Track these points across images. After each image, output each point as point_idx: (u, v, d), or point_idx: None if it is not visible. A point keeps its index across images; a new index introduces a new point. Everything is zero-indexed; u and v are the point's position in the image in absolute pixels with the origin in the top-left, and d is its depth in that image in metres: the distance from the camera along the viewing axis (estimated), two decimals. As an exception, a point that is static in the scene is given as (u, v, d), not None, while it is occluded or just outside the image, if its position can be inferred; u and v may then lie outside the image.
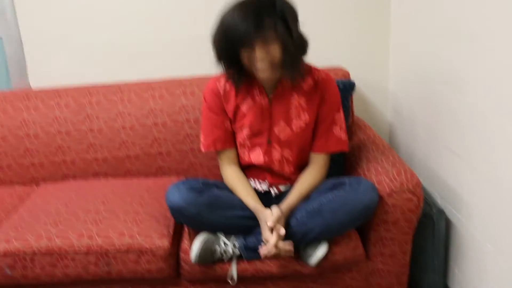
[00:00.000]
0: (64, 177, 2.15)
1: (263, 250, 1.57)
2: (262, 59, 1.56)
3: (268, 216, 1.60)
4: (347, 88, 1.96)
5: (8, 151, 2.13)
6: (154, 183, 2.03)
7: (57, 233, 1.70)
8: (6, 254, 1.66)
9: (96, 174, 2.14)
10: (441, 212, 1.79)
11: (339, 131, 1.75)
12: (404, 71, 2.20)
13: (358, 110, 2.30)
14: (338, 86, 1.89)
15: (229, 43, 1.56)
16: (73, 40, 2.29)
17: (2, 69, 2.34)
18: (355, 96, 2.20)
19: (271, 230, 1.58)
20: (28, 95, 2.18)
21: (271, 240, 1.56)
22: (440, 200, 1.88)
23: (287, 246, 1.58)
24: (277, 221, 1.59)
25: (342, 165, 1.96)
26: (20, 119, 2.13)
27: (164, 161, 2.13)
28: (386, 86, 2.35)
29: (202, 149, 1.80)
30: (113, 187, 1.99)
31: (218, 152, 1.81)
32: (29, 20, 2.28)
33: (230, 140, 1.78)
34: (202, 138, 1.80)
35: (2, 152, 2.13)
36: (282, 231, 1.56)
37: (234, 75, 1.68)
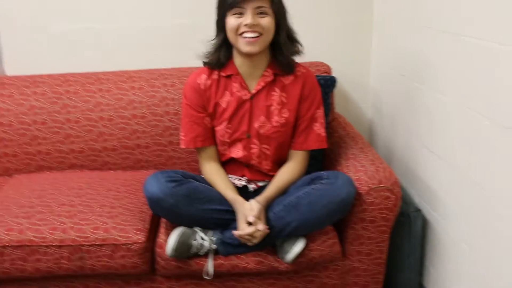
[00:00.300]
0: (39, 168, 2.10)
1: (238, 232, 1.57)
2: (252, 27, 1.56)
3: (248, 210, 1.58)
4: (328, 83, 1.94)
5: (-20, 140, 2.08)
6: (131, 176, 2.00)
7: (29, 226, 1.65)
8: (-25, 247, 1.62)
9: (72, 166, 2.10)
10: (418, 211, 1.79)
11: (319, 128, 1.74)
12: (385, 68, 2.20)
13: (338, 106, 2.29)
14: (319, 81, 1.88)
15: (221, 7, 1.60)
16: (51, 28, 2.23)
17: (-23, 56, 2.28)
18: (336, 92, 2.18)
19: (249, 223, 1.57)
20: (3, 83, 2.12)
21: (247, 230, 1.55)
22: (418, 199, 1.89)
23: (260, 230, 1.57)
24: (258, 216, 1.57)
25: (321, 161, 1.95)
26: (-6, 107, 2.08)
27: (142, 154, 2.09)
28: (367, 83, 2.34)
29: (182, 145, 1.77)
30: (89, 180, 1.95)
31: (197, 149, 1.79)
32: (6, 7, 2.22)
33: (210, 137, 1.76)
34: (181, 135, 1.77)
35: (-26, 141, 2.08)
36: (261, 226, 1.55)
37: (219, 54, 1.68)
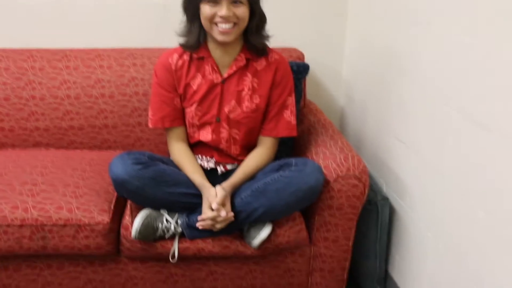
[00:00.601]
0: (1, 146, 2.03)
1: (200, 222, 1.55)
2: (227, 18, 1.54)
3: (212, 196, 1.57)
4: (300, 70, 1.93)
5: None
6: (97, 156, 1.95)
7: (-12, 204, 1.61)
8: None
9: (36, 144, 2.04)
10: (385, 199, 1.81)
11: (289, 116, 1.73)
12: (358, 57, 2.20)
13: (311, 93, 2.29)
14: (292, 67, 1.87)
15: None
16: (18, 1, 2.14)
17: None
18: (308, 80, 2.18)
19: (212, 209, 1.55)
20: (-36, 56, 2.04)
21: (209, 214, 1.54)
22: (386, 188, 1.90)
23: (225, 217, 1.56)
24: (222, 202, 1.56)
25: (291, 147, 1.95)
26: (-45, 81, 2.00)
27: (109, 134, 2.04)
28: (340, 71, 2.34)
29: (150, 125, 1.74)
30: (54, 158, 1.90)
31: (166, 129, 1.76)
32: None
33: (179, 117, 1.74)
34: (150, 114, 1.74)
35: None
36: (223, 213, 1.53)
37: (193, 37, 1.64)
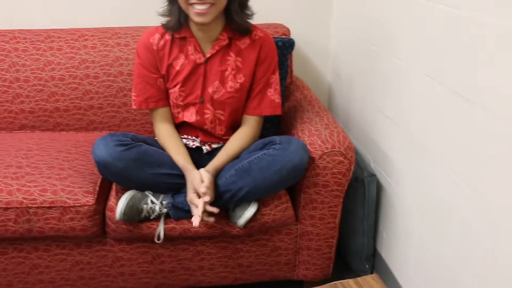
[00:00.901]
0: (-13, 129, 2.03)
1: (195, 222, 1.51)
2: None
3: (197, 180, 1.55)
4: (286, 46, 1.90)
5: None
6: (83, 138, 1.94)
7: (-27, 188, 1.60)
8: None
9: (22, 127, 2.03)
10: (372, 176, 1.80)
11: (273, 94, 1.70)
12: (345, 32, 2.17)
13: (298, 69, 2.26)
14: (277, 43, 1.84)
15: None
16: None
17: None
18: (295, 56, 2.15)
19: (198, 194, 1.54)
20: None
21: (199, 207, 1.51)
22: (373, 164, 1.89)
23: (210, 216, 1.55)
24: (210, 186, 1.54)
25: (278, 125, 1.93)
26: None
27: (95, 115, 2.03)
28: (327, 47, 2.31)
29: (134, 106, 1.72)
30: (39, 141, 1.89)
31: (151, 110, 1.74)
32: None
33: (163, 98, 1.72)
34: (133, 95, 1.72)
35: None
36: (207, 198, 1.51)
37: (174, 18, 1.61)
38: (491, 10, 1.15)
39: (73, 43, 2.02)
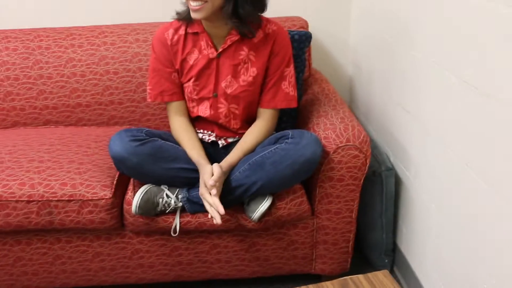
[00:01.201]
0: (14, 124, 2.08)
1: (216, 220, 1.52)
2: None
3: (208, 174, 1.55)
4: (303, 39, 1.88)
5: (-45, 95, 2.06)
6: (104, 133, 1.98)
7: (-2, 181, 1.66)
8: None
9: (47, 122, 2.08)
10: (390, 170, 1.77)
11: (288, 87, 1.69)
12: (364, 24, 2.13)
13: (318, 62, 2.24)
14: (294, 37, 1.83)
15: None
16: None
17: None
18: (315, 48, 2.13)
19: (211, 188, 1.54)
20: (-25, 38, 2.09)
21: (209, 202, 1.53)
22: (392, 158, 1.86)
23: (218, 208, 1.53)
24: (218, 180, 1.54)
25: (295, 118, 1.92)
26: (-33, 62, 2.05)
27: (116, 110, 2.07)
28: (347, 39, 2.28)
29: (148, 99, 1.75)
30: (61, 136, 1.94)
31: (166, 103, 1.76)
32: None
33: (177, 92, 1.73)
34: (148, 88, 1.74)
35: (-51, 97, 2.06)
36: (214, 191, 1.52)
37: (186, 10, 1.63)
38: (509, 0, 1.11)
39: (93, 40, 2.06)
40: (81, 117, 2.08)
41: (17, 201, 1.63)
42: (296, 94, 1.72)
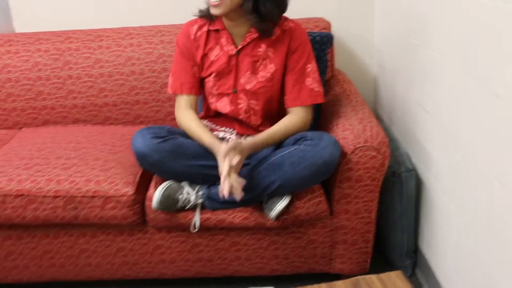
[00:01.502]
0: (45, 123, 2.17)
1: (221, 192, 1.53)
2: None
3: (223, 147, 1.55)
4: (324, 41, 1.89)
5: (-9, 95, 2.15)
6: (128, 131, 2.03)
7: (27, 177, 1.72)
8: (-21, 195, 1.70)
9: (75, 121, 2.16)
10: (410, 171, 1.76)
11: (312, 82, 1.70)
12: (387, 25, 2.12)
13: (342, 63, 2.24)
14: (315, 38, 1.85)
15: None
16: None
17: (-13, 12, 2.34)
18: (339, 49, 2.13)
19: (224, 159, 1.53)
20: (10, 40, 2.18)
21: (223, 170, 1.51)
22: (414, 159, 1.85)
23: (238, 181, 1.53)
24: (232, 149, 1.52)
25: (316, 119, 1.93)
26: (2, 63, 2.14)
27: (141, 109, 2.12)
28: (372, 40, 2.27)
29: (169, 91, 1.78)
30: (88, 134, 2.00)
31: (178, 97, 1.78)
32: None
33: (196, 86, 1.77)
34: (170, 81, 1.78)
35: (-15, 96, 2.15)
36: (235, 160, 1.51)
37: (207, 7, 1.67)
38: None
39: (120, 42, 2.12)
40: (108, 116, 2.14)
41: (44, 196, 1.70)
42: (321, 90, 1.72)
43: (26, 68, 2.12)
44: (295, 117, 1.71)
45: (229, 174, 1.51)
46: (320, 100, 1.72)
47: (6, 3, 2.30)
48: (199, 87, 1.78)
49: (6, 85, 2.13)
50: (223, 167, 1.52)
